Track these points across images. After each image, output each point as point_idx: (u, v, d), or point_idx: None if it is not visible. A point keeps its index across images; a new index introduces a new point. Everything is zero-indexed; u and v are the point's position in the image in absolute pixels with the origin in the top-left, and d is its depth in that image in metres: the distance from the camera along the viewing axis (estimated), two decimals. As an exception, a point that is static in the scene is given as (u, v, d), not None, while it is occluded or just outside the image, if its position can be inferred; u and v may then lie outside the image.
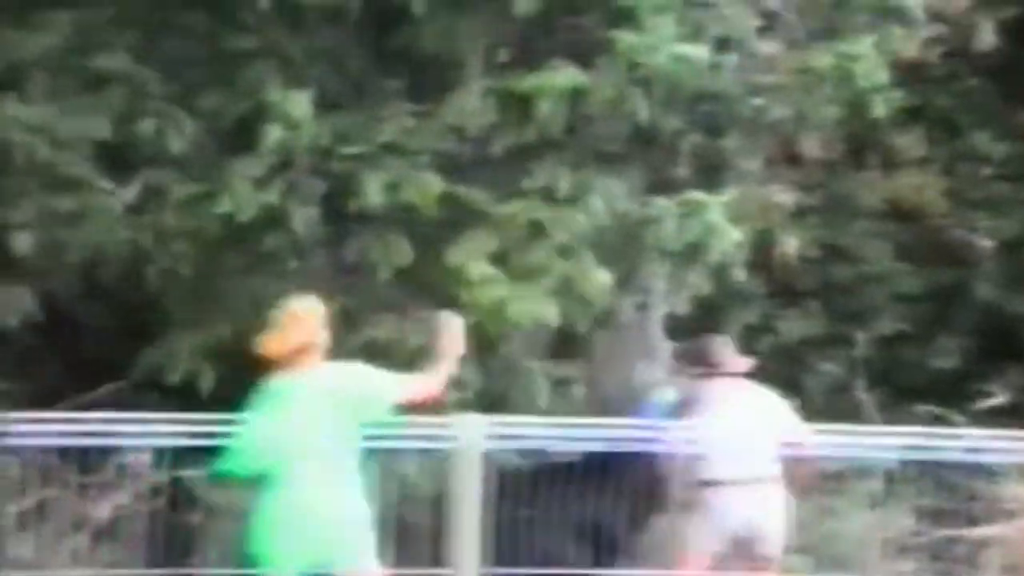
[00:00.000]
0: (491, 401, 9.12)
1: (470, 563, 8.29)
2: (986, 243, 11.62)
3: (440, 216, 9.55)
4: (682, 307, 10.49)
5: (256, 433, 6.75)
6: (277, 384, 6.82)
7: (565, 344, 10.13)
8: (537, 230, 9.50)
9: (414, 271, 9.59)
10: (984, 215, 11.71)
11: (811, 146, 11.14)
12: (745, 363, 9.20)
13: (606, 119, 9.75)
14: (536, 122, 9.55)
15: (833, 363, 11.55)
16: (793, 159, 11.45)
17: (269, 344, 6.85)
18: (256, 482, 6.82)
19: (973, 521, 9.07)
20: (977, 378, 10.91)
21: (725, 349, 9.30)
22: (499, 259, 9.45)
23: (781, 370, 11.46)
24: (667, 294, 10.42)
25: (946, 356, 11.52)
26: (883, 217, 11.89)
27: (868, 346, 11.41)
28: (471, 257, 9.36)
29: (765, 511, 8.65)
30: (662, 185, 10.10)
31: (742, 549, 8.67)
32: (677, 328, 10.69)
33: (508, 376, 9.68)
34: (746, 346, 11.40)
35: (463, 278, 9.29)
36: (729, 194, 10.04)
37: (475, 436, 8.39)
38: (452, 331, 7.23)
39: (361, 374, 7.01)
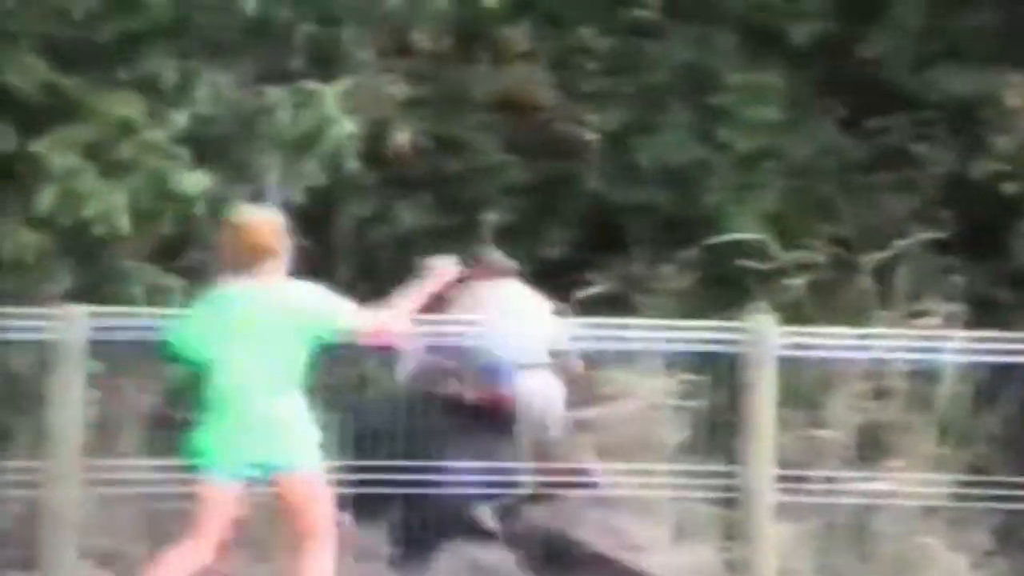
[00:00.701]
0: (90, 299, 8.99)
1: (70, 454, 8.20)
2: (592, 135, 11.92)
3: (43, 106, 9.32)
4: (297, 197, 10.49)
5: (196, 333, 6.84)
6: (229, 290, 6.84)
7: (176, 238, 10.08)
8: (128, 126, 9.36)
9: (17, 160, 9.35)
10: (589, 108, 12.01)
11: (422, 37, 11.25)
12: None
13: (215, 9, 9.66)
14: (143, 10, 9.40)
15: (446, 253, 11.69)
16: (405, 50, 11.52)
17: (222, 248, 6.91)
18: (198, 380, 6.88)
19: (574, 405, 9.39)
20: (583, 267, 11.21)
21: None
22: (91, 153, 9.29)
23: (396, 260, 11.62)
24: (281, 184, 10.40)
25: (553, 246, 11.81)
26: (493, 109, 12.07)
27: (479, 236, 11.63)
28: (58, 147, 9.18)
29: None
30: (275, 76, 10.07)
31: None
32: (292, 218, 10.68)
33: (107, 276, 9.61)
34: (361, 237, 11.60)
35: (46, 169, 9.13)
36: (342, 84, 10.06)
37: (77, 327, 8.29)
38: (436, 277, 7.36)
39: (319, 296, 6.99)
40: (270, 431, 6.77)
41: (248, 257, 6.84)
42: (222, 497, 6.76)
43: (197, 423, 6.87)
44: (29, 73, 9.29)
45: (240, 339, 6.74)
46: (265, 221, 7.03)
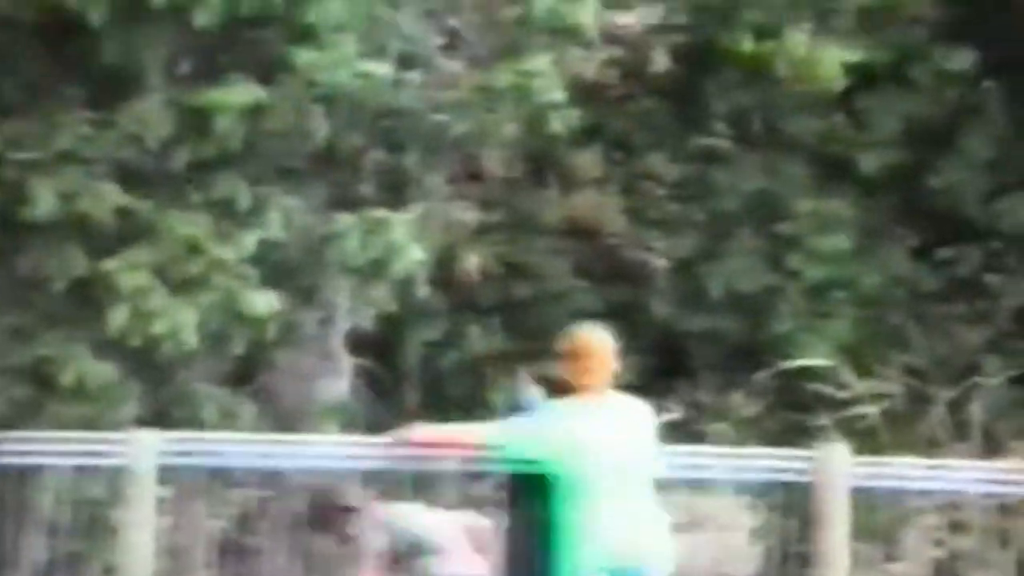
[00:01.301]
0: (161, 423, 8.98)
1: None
2: (661, 262, 11.91)
3: (115, 229, 9.41)
4: (366, 322, 10.51)
5: (554, 442, 6.92)
6: (575, 403, 7.03)
7: (246, 362, 10.09)
8: (196, 245, 9.44)
9: (89, 284, 9.41)
10: (659, 234, 12.00)
11: (492, 163, 11.30)
12: None
13: (286, 135, 9.75)
14: (215, 137, 9.48)
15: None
16: (475, 176, 11.56)
17: (569, 373, 7.10)
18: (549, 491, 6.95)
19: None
20: (653, 394, 11.13)
21: None
22: (160, 272, 9.37)
23: (465, 385, 11.62)
24: (350, 309, 10.43)
25: (624, 373, 11.73)
26: (563, 235, 12.08)
27: (549, 363, 11.56)
28: (128, 267, 9.26)
29: None
30: (345, 202, 10.12)
31: None
32: (361, 343, 10.72)
33: (178, 400, 9.62)
34: (429, 361, 11.59)
35: (116, 289, 9.20)
36: (412, 211, 10.10)
37: (147, 451, 8.26)
38: None
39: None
40: (644, 536, 6.96)
41: (596, 373, 7.08)
42: None
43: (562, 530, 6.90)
44: (102, 199, 9.38)
45: (604, 451, 6.91)
46: (608, 340, 7.24)
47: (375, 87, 9.65)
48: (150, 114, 9.53)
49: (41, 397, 9.39)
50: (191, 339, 9.20)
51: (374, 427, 9.27)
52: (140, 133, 9.54)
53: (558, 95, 10.10)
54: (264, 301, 9.44)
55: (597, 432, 6.92)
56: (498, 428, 7.27)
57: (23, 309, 9.64)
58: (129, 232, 9.52)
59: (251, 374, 10.26)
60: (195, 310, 9.25)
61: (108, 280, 9.27)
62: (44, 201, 9.17)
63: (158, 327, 9.14)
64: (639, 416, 7.23)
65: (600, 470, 6.87)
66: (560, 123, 10.25)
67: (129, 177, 9.60)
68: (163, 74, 9.69)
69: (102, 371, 9.31)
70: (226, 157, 9.62)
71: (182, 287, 9.38)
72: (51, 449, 8.36)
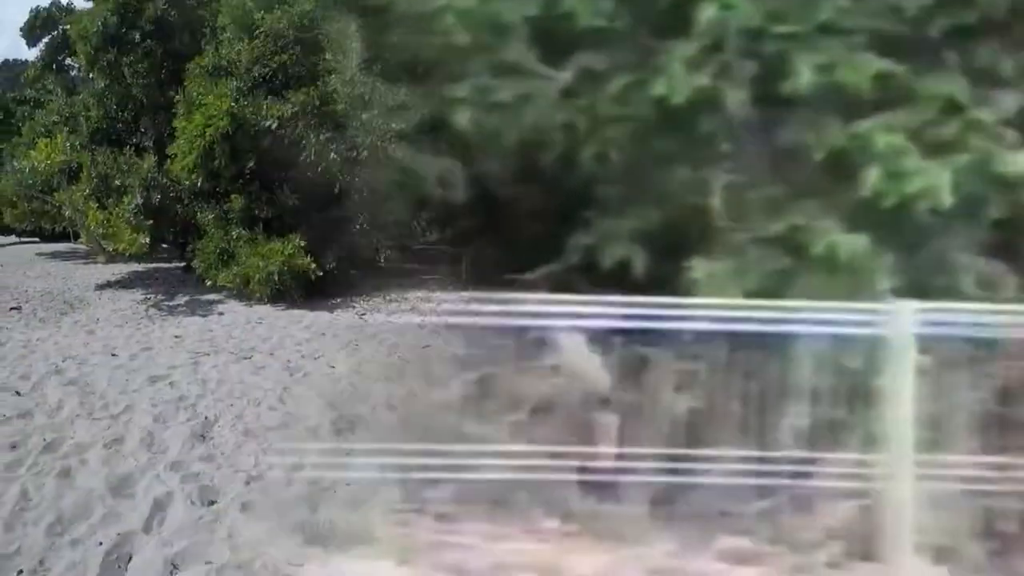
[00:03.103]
0: (918, 292, 8.93)
1: (904, 450, 8.18)
2: None
3: (872, 97, 9.39)
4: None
5: None
6: None
7: (1006, 231, 9.85)
8: (952, 105, 9.26)
9: (844, 154, 9.46)
10: None
11: None
12: None
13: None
14: (976, 4, 9.26)
15: None
16: None
17: None
18: None
19: None
20: None
21: None
22: (915, 134, 9.27)
23: None
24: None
25: None
26: None
27: None
28: (883, 129, 9.22)
29: None
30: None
31: None
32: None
33: (933, 268, 9.51)
34: None
35: (870, 149, 9.18)
36: None
37: (906, 321, 8.25)
38: None
39: None
40: None
41: None
42: None
43: None
44: (860, 68, 9.37)
45: None
46: None
47: None
48: (911, -16, 9.44)
49: (795, 266, 9.55)
50: (945, 199, 9.11)
51: None
52: (899, 2, 9.46)
53: None
54: (1020, 161, 9.20)
55: None
56: None
57: (780, 180, 9.81)
58: (885, 99, 9.50)
59: (1012, 244, 10.00)
60: (949, 171, 9.15)
61: (862, 142, 9.32)
62: (804, 73, 9.28)
63: (911, 187, 9.12)
64: None
65: None
66: None
67: (886, 46, 9.54)
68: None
69: (854, 242, 9.37)
70: (986, 23, 9.39)
71: (937, 148, 9.30)
72: (807, 318, 8.50)
